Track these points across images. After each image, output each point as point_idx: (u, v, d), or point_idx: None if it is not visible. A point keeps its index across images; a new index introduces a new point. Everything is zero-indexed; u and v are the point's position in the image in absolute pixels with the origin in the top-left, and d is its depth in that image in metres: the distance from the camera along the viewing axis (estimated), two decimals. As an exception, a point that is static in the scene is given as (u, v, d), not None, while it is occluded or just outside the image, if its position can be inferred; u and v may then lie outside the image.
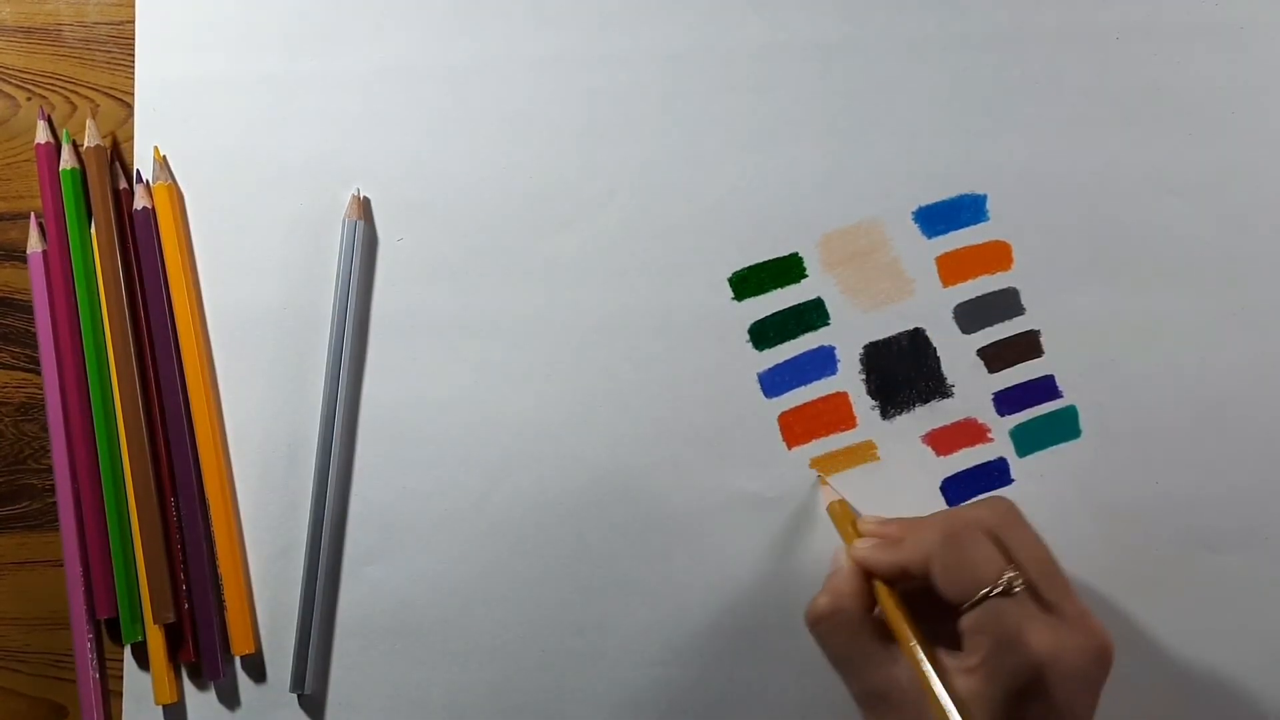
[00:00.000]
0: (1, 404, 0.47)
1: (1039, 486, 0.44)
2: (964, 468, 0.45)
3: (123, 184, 0.47)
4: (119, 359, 0.45)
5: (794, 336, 0.45)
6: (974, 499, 0.44)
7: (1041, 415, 0.44)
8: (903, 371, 0.45)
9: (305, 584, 0.45)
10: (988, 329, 0.45)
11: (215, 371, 0.46)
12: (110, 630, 0.46)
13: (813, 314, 0.45)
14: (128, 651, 0.46)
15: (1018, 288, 0.45)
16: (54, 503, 0.46)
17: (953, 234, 0.45)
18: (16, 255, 0.47)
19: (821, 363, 0.45)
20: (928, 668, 0.36)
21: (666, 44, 0.46)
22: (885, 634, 0.38)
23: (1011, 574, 0.36)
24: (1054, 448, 0.44)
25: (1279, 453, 0.44)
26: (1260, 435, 0.44)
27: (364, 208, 0.46)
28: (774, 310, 0.45)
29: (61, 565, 0.46)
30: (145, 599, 0.45)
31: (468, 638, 0.45)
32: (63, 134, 0.47)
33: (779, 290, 0.45)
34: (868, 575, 0.39)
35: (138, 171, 0.47)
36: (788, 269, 0.45)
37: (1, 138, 0.48)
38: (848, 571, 0.39)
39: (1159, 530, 0.44)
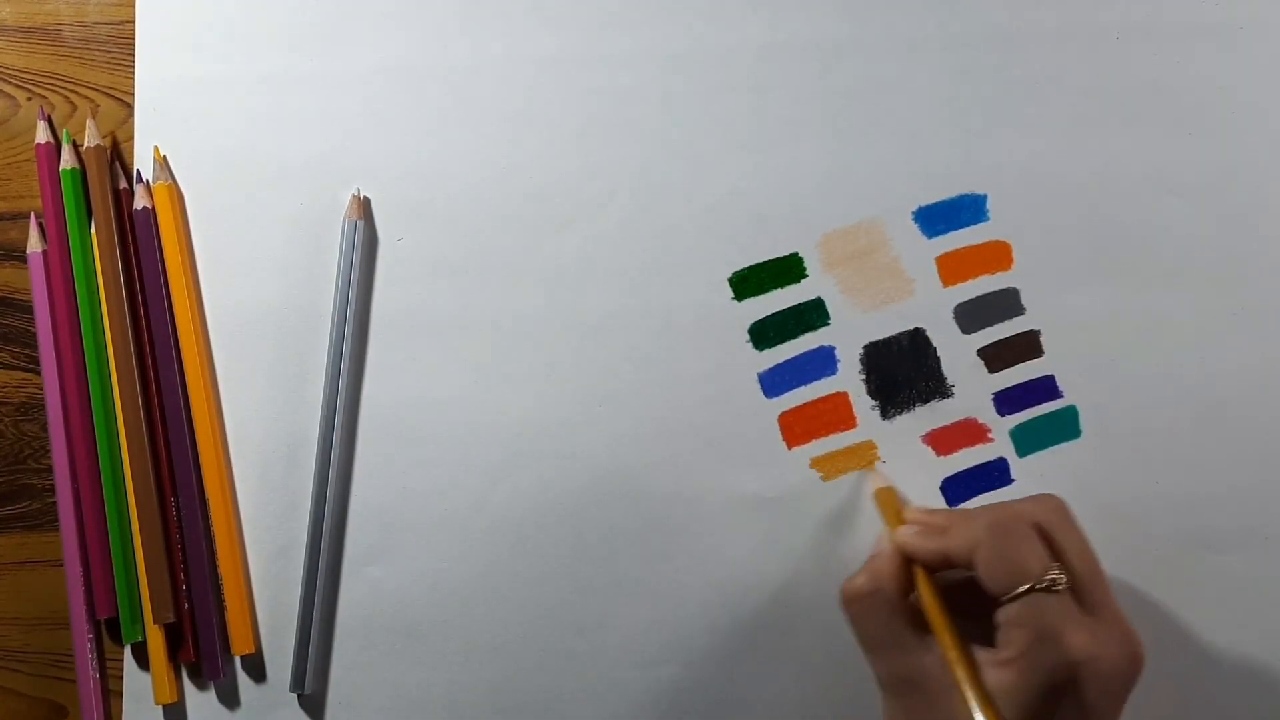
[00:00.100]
0: (1, 404, 0.47)
1: (1039, 486, 0.44)
2: (964, 468, 0.45)
3: (123, 184, 0.47)
4: (119, 359, 0.45)
5: (794, 336, 0.45)
6: (983, 501, 0.44)
7: (1041, 415, 0.44)
8: (903, 371, 0.45)
9: (305, 584, 0.45)
10: (988, 329, 0.45)
11: (215, 371, 0.46)
12: (110, 630, 0.46)
13: (813, 314, 0.45)
14: (128, 651, 0.46)
15: (1018, 288, 0.45)
16: (54, 503, 0.46)
17: (953, 234, 0.45)
18: (16, 255, 0.47)
19: (821, 363, 0.45)
20: (958, 656, 0.36)
21: (666, 44, 0.46)
22: (918, 621, 0.38)
23: (1057, 572, 0.36)
24: (1054, 448, 0.44)
25: (1279, 453, 0.44)
26: (1260, 435, 0.44)
27: (364, 208, 0.46)
28: (774, 310, 0.45)
29: (61, 565, 0.46)
30: (145, 599, 0.45)
31: (468, 638, 0.45)
32: (63, 134, 0.47)
33: (779, 290, 0.45)
34: (908, 561, 0.39)
35: (138, 171, 0.47)
36: (788, 269, 0.45)
37: (1, 138, 0.48)
38: (889, 555, 0.39)
39: (1159, 530, 0.44)
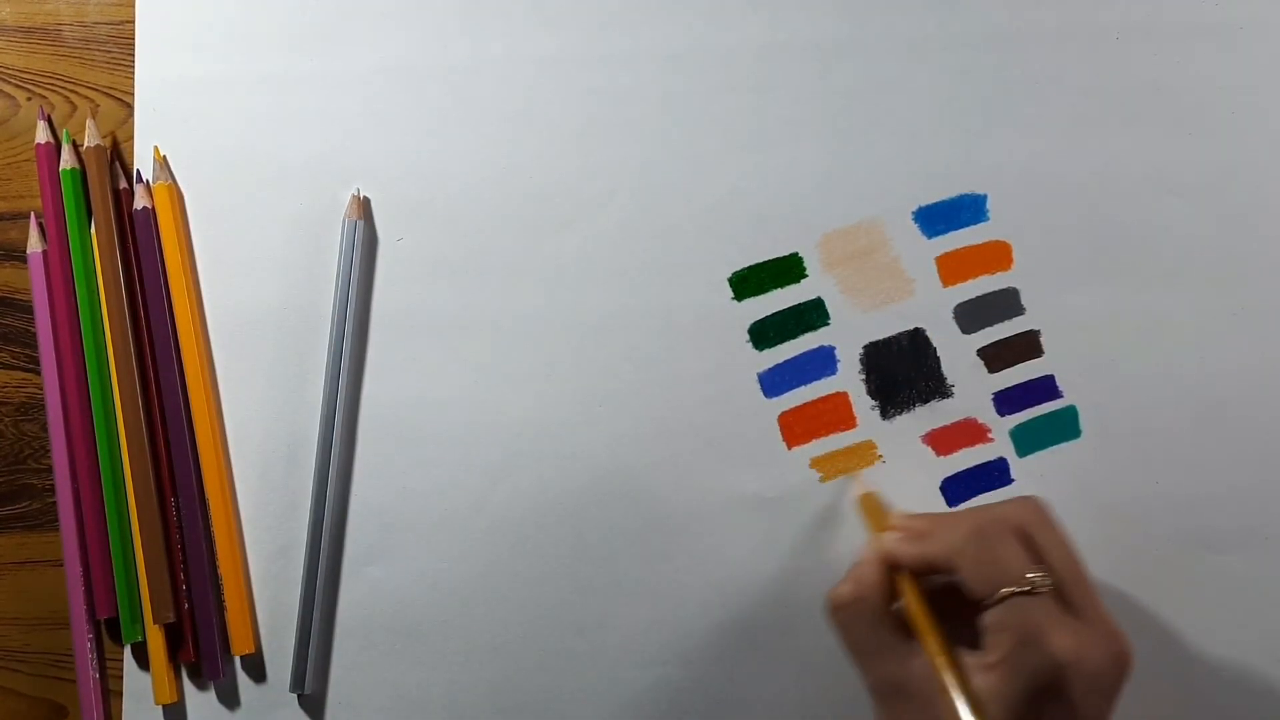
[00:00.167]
0: (1, 404, 0.47)
1: (1039, 487, 0.44)
2: (964, 468, 0.45)
3: (123, 184, 0.47)
4: (119, 359, 0.45)
5: (794, 336, 0.45)
6: (985, 500, 0.44)
7: (1041, 415, 0.44)
8: (903, 371, 0.45)
9: (305, 584, 0.45)
10: (988, 329, 0.45)
11: (215, 371, 0.46)
12: (110, 630, 0.46)
13: (813, 314, 0.45)
14: (128, 651, 0.46)
15: (1018, 288, 0.45)
16: (54, 503, 0.46)
17: (953, 234, 0.45)
18: (16, 255, 0.47)
19: (821, 363, 0.45)
20: (945, 661, 0.36)
21: (666, 44, 0.46)
22: (905, 627, 0.38)
23: (1038, 574, 0.36)
24: (1054, 448, 0.44)
25: (1279, 453, 0.44)
26: (1260, 435, 0.44)
27: (364, 208, 0.46)
28: (774, 310, 0.45)
29: (61, 565, 0.46)
30: (145, 599, 0.45)
31: (468, 638, 0.45)
32: (63, 134, 0.47)
33: (779, 290, 0.45)
34: (892, 567, 0.39)
35: (138, 171, 0.47)
36: (788, 269, 0.45)
37: (1, 138, 0.48)
38: (872, 562, 0.39)
39: (1159, 530, 0.44)
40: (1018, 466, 0.45)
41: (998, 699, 0.35)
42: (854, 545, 0.44)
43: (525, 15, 0.46)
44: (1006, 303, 0.45)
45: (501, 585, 0.45)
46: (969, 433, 0.45)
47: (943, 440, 0.45)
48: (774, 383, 0.45)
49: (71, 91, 0.48)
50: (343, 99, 0.47)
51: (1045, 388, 0.45)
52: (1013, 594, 0.36)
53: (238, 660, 0.46)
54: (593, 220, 0.46)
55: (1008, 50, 0.45)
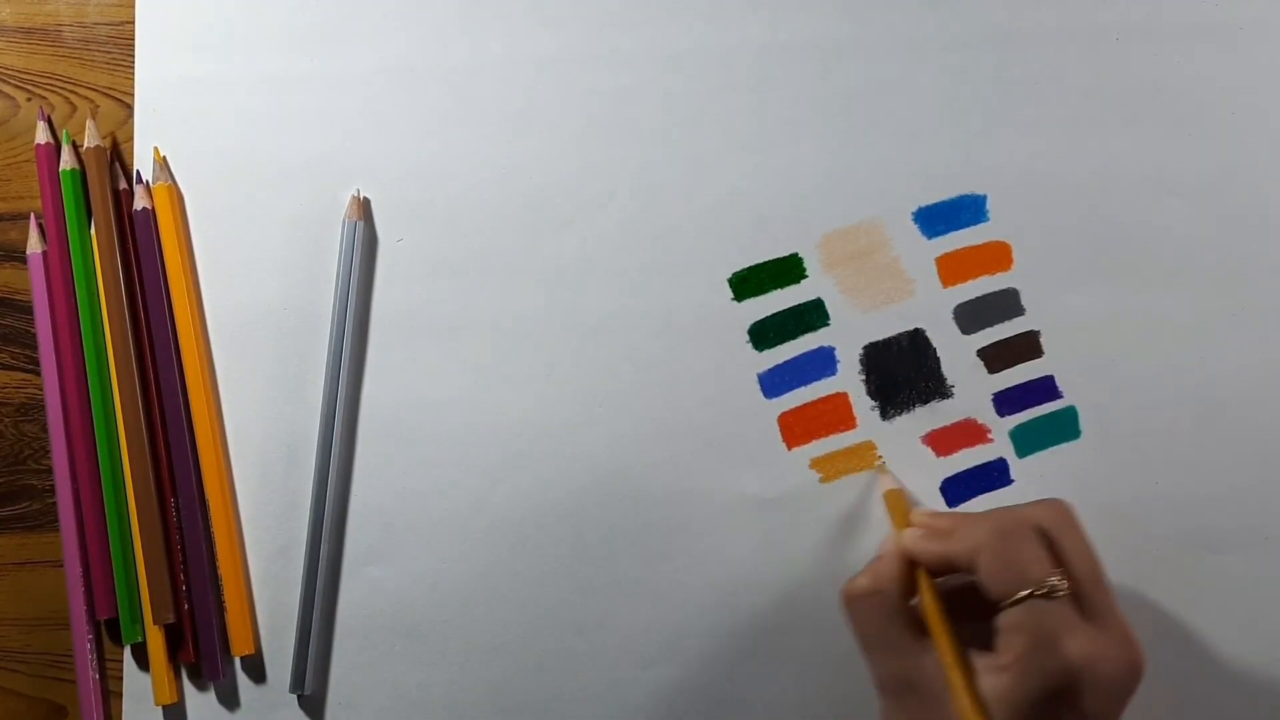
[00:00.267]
0: (1, 404, 0.47)
1: (1039, 487, 0.44)
2: (964, 468, 0.45)
3: (123, 184, 0.47)
4: (119, 359, 0.45)
5: (794, 337, 0.45)
6: (983, 502, 0.44)
7: (1041, 416, 0.44)
8: (903, 372, 0.45)
9: (305, 584, 0.45)
10: (988, 329, 0.45)
11: (215, 372, 0.46)
12: (110, 630, 0.46)
13: (813, 314, 0.45)
14: (128, 652, 0.46)
15: (1018, 288, 0.45)
16: (54, 503, 0.46)
17: (953, 234, 0.45)
18: (16, 256, 0.47)
19: (821, 363, 0.45)
20: (953, 661, 0.36)
21: (666, 44, 0.46)
22: (918, 625, 0.38)
23: (1057, 577, 0.36)
24: (1054, 448, 0.44)
25: (1279, 453, 0.44)
26: (1260, 435, 0.44)
27: (364, 208, 0.46)
28: (774, 311, 0.45)
29: (61, 565, 0.46)
30: (145, 599, 0.45)
31: (468, 638, 0.45)
32: (63, 134, 0.47)
33: (779, 291, 0.45)
34: (912, 564, 0.39)
35: (138, 172, 0.47)
36: (788, 269, 0.45)
37: (1, 138, 0.48)
38: (892, 557, 0.39)
39: (1159, 530, 0.44)
40: (1017, 467, 0.45)
41: (1007, 701, 0.35)
42: (857, 545, 0.44)
43: (525, 15, 0.46)
44: (1006, 303, 0.45)
45: (501, 585, 0.45)
46: (969, 433, 0.45)
47: (942, 441, 0.45)
48: (774, 383, 0.45)
49: (71, 92, 0.48)
50: (343, 99, 0.47)
51: (1045, 388, 0.45)
52: (1030, 596, 0.36)
53: (238, 661, 0.46)
54: (593, 220, 0.46)
55: (1008, 50, 0.45)
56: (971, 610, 0.37)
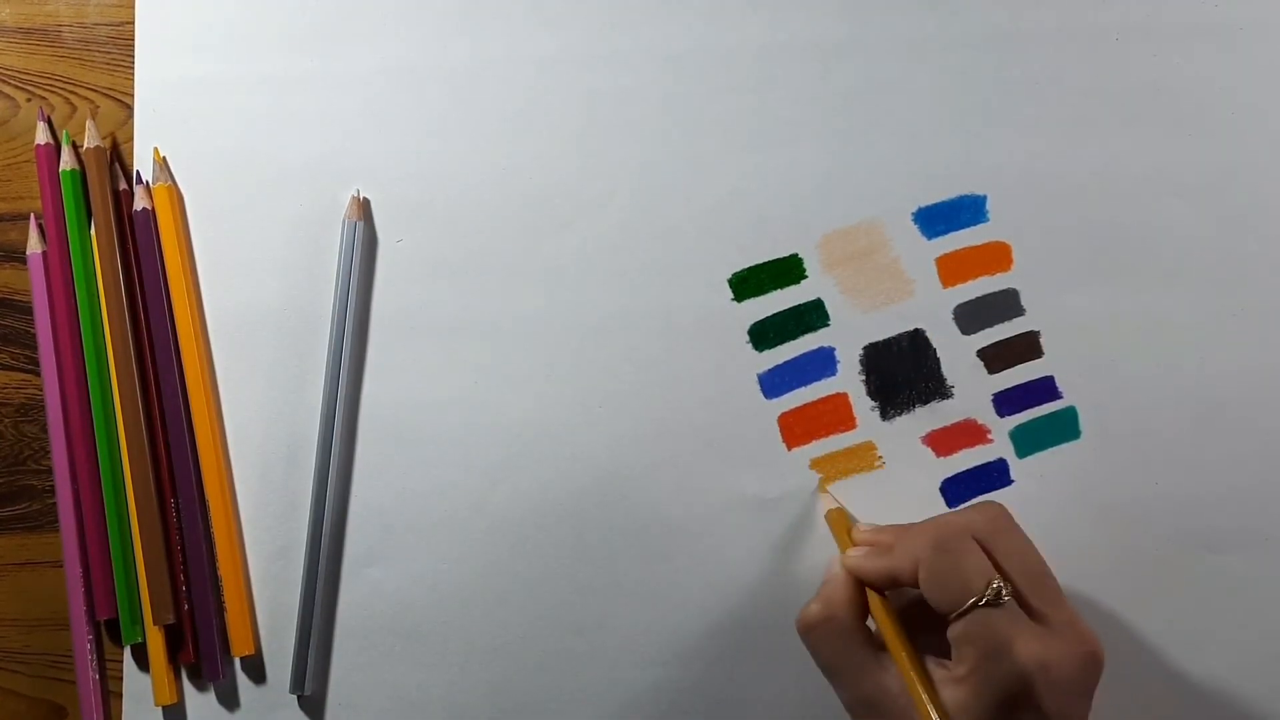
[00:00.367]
0: (1, 404, 0.47)
1: (1039, 487, 0.44)
2: (964, 469, 0.45)
3: (122, 185, 0.47)
4: (119, 359, 0.45)
5: (794, 337, 0.45)
6: (967, 503, 0.44)
7: (1041, 416, 0.44)
8: (903, 372, 0.45)
9: (305, 585, 0.45)
10: (987, 330, 0.45)
11: (215, 372, 0.46)
12: (110, 631, 0.46)
13: (813, 315, 0.45)
14: (127, 652, 0.46)
15: (1018, 288, 0.45)
16: (54, 503, 0.46)
17: (953, 234, 0.45)
18: (16, 256, 0.47)
19: (821, 363, 0.45)
20: (915, 677, 0.36)
21: (666, 44, 0.46)
22: (877, 643, 0.38)
23: (998, 583, 0.36)
24: (1054, 448, 0.44)
25: (1279, 453, 0.44)
26: (1260, 436, 0.44)
27: (364, 208, 0.46)
28: (774, 311, 0.45)
29: (61, 566, 0.46)
30: (145, 600, 0.45)
31: (468, 639, 0.45)
32: (63, 135, 0.47)
33: (779, 291, 0.45)
34: (861, 584, 0.39)
35: (138, 172, 0.47)
36: (788, 270, 0.45)
37: (1, 139, 0.48)
38: (840, 579, 0.39)
39: (1159, 530, 0.44)
40: (1017, 467, 0.45)
41: (967, 712, 0.35)
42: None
43: (525, 16, 0.46)
44: (1006, 303, 0.45)
45: (501, 586, 0.45)
46: (969, 434, 0.45)
47: (942, 441, 0.45)
48: (774, 384, 0.45)
49: (71, 92, 0.48)
50: (343, 100, 0.47)
51: (1045, 388, 0.45)
52: (974, 606, 0.36)
53: (237, 661, 0.46)
54: (593, 221, 0.46)
55: (1008, 50, 0.45)
56: (929, 623, 0.37)
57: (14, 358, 0.47)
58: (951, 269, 0.45)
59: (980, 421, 0.45)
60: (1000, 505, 0.39)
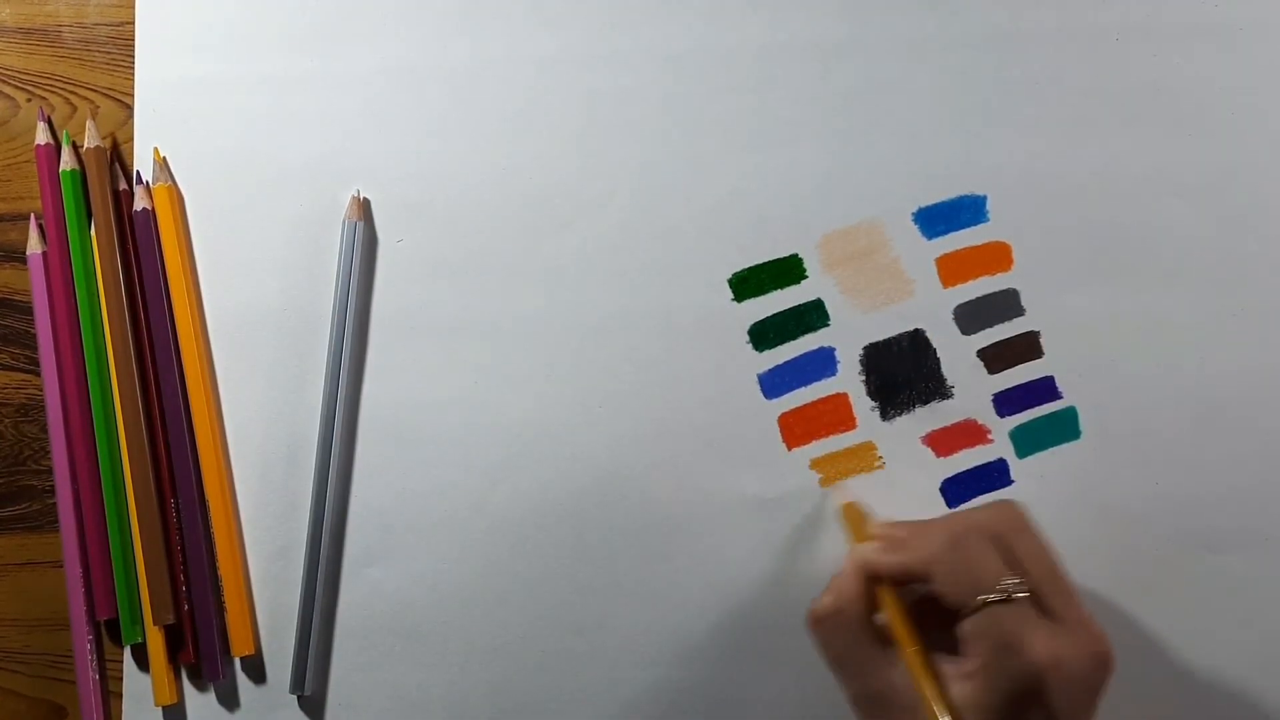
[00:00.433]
0: (1, 404, 0.47)
1: (1039, 487, 0.44)
2: (964, 469, 0.45)
3: (123, 185, 0.47)
4: (119, 360, 0.45)
5: (794, 337, 0.45)
6: (982, 502, 0.44)
7: (1041, 416, 0.44)
8: (903, 372, 0.45)
9: (305, 585, 0.45)
10: (988, 330, 0.45)
11: (215, 372, 0.46)
12: (110, 631, 0.46)
13: (813, 315, 0.45)
14: (127, 653, 0.46)
15: (1018, 288, 0.45)
16: (54, 503, 0.46)
17: (953, 235, 0.45)
18: (16, 256, 0.47)
19: (821, 364, 0.45)
20: (923, 672, 0.36)
21: (666, 44, 0.46)
22: (886, 638, 0.38)
23: (1012, 581, 0.36)
24: (1054, 449, 0.44)
25: (1279, 453, 0.44)
26: (1260, 436, 0.44)
27: (364, 209, 0.46)
28: (774, 311, 0.45)
29: (61, 566, 0.46)
30: (145, 600, 0.45)
31: (467, 638, 0.45)
32: (63, 135, 0.47)
33: (779, 291, 0.45)
34: (872, 578, 0.39)
35: (138, 173, 0.47)
36: (788, 270, 0.45)
37: (1, 139, 0.48)
38: (851, 573, 0.39)
39: (1159, 530, 0.44)
40: (1017, 467, 0.45)
41: (976, 708, 0.35)
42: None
43: (525, 16, 0.46)
44: (1006, 303, 0.45)
45: (501, 586, 0.45)
46: (969, 434, 0.45)
47: (943, 441, 0.45)
48: (774, 384, 0.45)
49: (71, 93, 0.48)
50: (343, 100, 0.47)
51: (1045, 389, 0.45)
52: (989, 602, 0.36)
53: (238, 661, 0.46)
54: (593, 221, 0.46)
55: (1008, 50, 0.45)
56: (939, 619, 0.37)
57: (14, 358, 0.47)
58: (951, 269, 0.45)
59: (980, 422, 0.45)
60: (1017, 504, 0.39)
